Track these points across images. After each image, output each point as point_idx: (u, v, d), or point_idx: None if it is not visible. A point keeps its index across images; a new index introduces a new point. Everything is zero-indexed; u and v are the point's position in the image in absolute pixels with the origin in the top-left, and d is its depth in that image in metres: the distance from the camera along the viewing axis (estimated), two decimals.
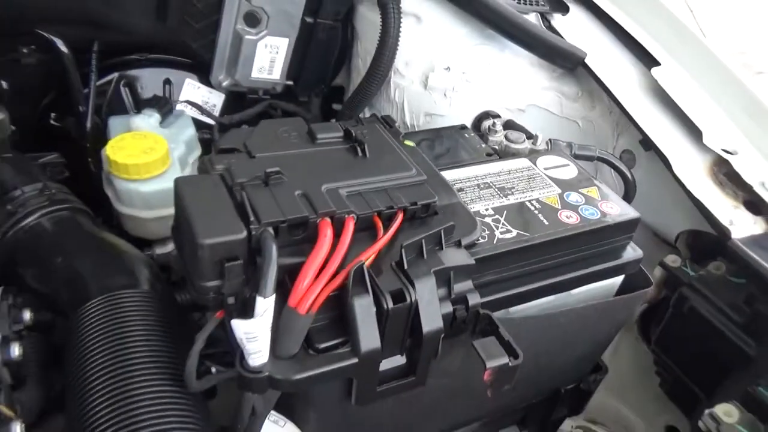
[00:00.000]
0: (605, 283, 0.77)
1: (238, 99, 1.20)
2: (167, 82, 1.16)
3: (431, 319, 0.60)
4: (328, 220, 0.60)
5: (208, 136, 1.13)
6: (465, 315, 0.63)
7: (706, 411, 0.71)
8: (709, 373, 0.86)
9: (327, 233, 0.58)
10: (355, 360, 0.58)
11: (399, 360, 0.64)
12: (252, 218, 0.57)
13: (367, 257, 0.59)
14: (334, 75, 1.26)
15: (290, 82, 1.18)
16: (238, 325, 0.54)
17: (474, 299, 0.63)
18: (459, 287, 0.63)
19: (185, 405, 0.59)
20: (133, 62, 1.13)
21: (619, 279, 0.78)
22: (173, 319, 0.69)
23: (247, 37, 1.08)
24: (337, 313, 0.59)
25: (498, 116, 1.06)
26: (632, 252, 0.76)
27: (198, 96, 1.18)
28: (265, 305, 0.54)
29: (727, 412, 0.69)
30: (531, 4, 1.10)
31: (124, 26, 1.06)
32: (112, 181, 0.92)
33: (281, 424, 0.69)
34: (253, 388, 0.57)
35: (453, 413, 0.79)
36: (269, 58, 1.12)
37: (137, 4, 1.03)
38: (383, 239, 0.61)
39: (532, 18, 1.08)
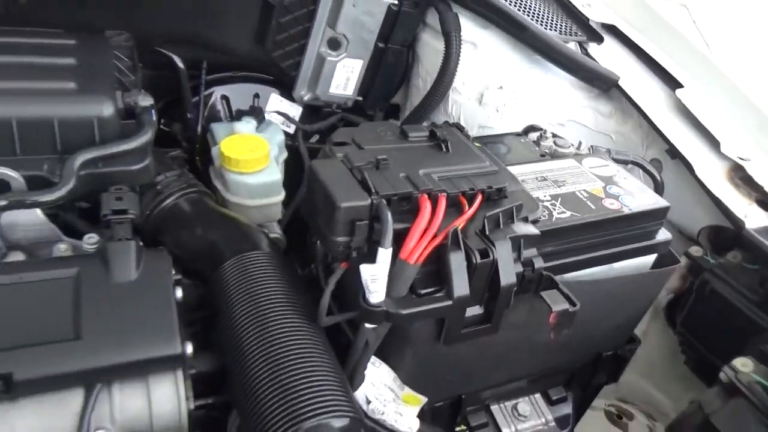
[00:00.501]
0: (640, 261, 0.93)
1: (313, 111, 1.39)
2: (256, 95, 1.35)
3: (507, 274, 0.76)
4: (426, 196, 0.77)
5: (289, 143, 1.32)
6: (531, 275, 0.79)
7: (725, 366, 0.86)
8: (728, 345, 1.01)
9: (427, 205, 0.76)
10: (449, 303, 0.74)
11: (477, 310, 0.80)
12: (373, 191, 0.74)
13: (460, 223, 0.76)
14: (394, 93, 1.44)
15: (360, 98, 1.36)
16: (365, 269, 0.71)
17: (539, 263, 0.80)
18: (527, 253, 0.80)
19: (315, 335, 0.75)
20: (227, 78, 1.33)
21: (651, 258, 0.94)
22: (291, 272, 0.86)
23: (329, 58, 1.28)
24: (433, 268, 0.76)
25: (542, 129, 1.24)
26: (663, 235, 0.92)
27: (281, 108, 1.37)
28: (385, 255, 0.71)
29: (743, 363, 0.83)
30: (571, 35, 1.28)
31: (228, 48, 1.26)
32: (223, 174, 1.10)
33: (377, 365, 0.85)
34: (372, 319, 0.73)
35: (515, 366, 0.95)
36: (345, 77, 1.31)
37: (242, 31, 1.23)
38: (470, 211, 0.78)
39: (572, 46, 1.27)
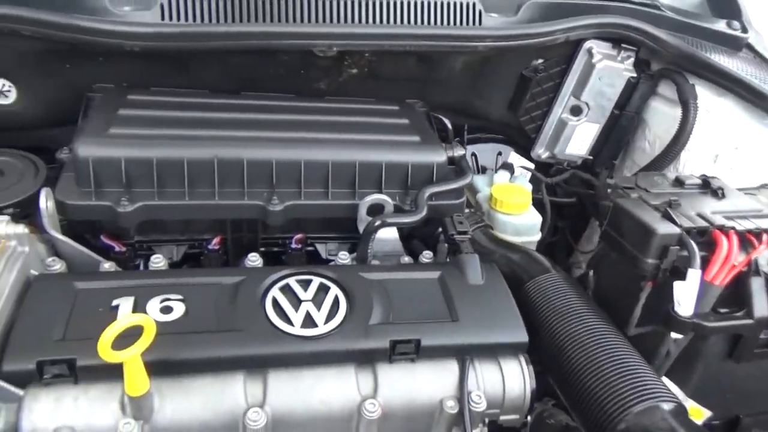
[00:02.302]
0: None
1: (544, 167, 1.59)
2: (499, 153, 1.59)
3: None
4: (719, 231, 0.92)
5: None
6: None
7: None
8: None
9: (724, 238, 0.90)
10: (750, 321, 0.87)
11: None
12: (678, 222, 0.91)
13: (758, 254, 0.89)
14: (619, 153, 1.61)
15: (591, 157, 1.55)
16: (678, 286, 0.87)
17: None
18: None
19: (624, 339, 0.91)
20: (477, 139, 1.59)
21: None
22: (581, 288, 1.03)
23: (570, 123, 1.48)
24: (728, 292, 0.90)
25: None
26: None
27: (517, 164, 1.59)
28: (695, 275, 0.86)
29: None
30: None
31: (485, 114, 1.51)
32: (492, 214, 1.32)
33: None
34: (680, 330, 0.88)
35: None
36: (582, 139, 1.51)
37: (498, 100, 1.48)
38: (763, 245, 0.91)
39: None
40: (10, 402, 0.74)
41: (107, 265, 0.95)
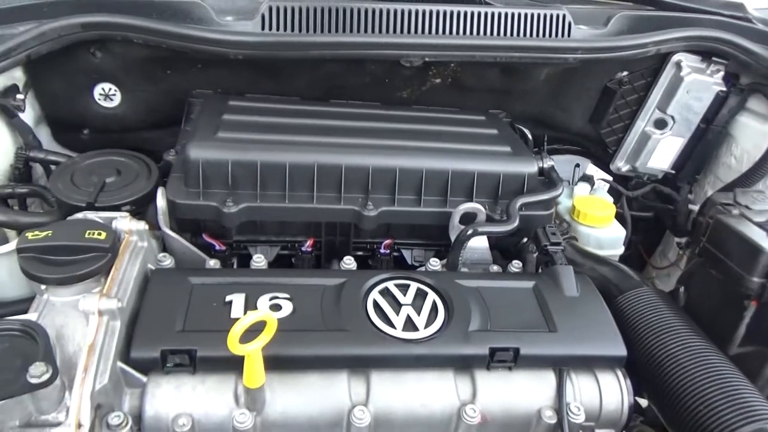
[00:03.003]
0: None
1: (621, 180, 1.57)
2: (577, 165, 1.58)
3: None
4: None
5: None
6: None
7: None
8: None
9: None
10: None
11: None
12: None
13: None
14: (702, 168, 1.57)
15: (672, 171, 1.52)
16: None
17: None
18: None
19: (724, 356, 0.89)
20: (555, 150, 1.58)
21: None
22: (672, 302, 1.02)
23: (654, 136, 1.46)
24: None
25: None
26: None
27: (595, 176, 1.58)
28: None
29: None
30: None
31: (565, 126, 1.51)
32: (575, 226, 1.31)
33: None
34: None
35: None
36: (665, 152, 1.48)
37: (580, 113, 1.48)
38: None
39: None
40: (134, 387, 0.79)
41: (212, 263, 1.00)
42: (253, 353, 0.72)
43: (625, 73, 1.40)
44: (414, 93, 1.41)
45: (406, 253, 1.18)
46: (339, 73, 1.32)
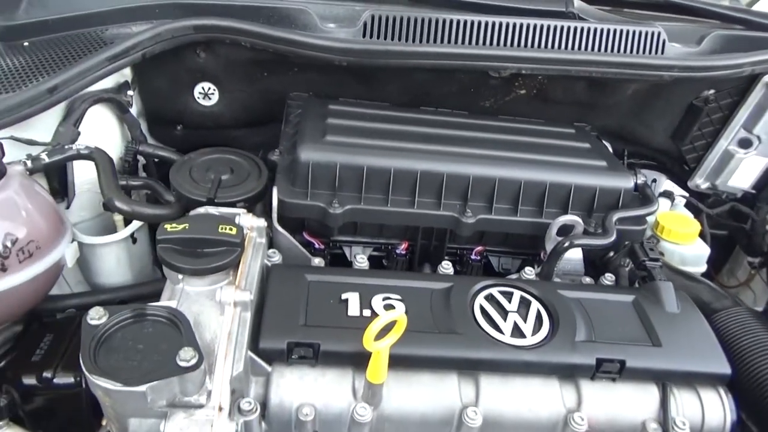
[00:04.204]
0: None
1: (698, 197, 1.57)
2: (653, 180, 1.59)
3: None
4: None
5: None
6: None
7: None
8: None
9: None
10: None
11: None
12: None
13: None
14: None
15: (753, 191, 1.51)
16: None
17: None
18: None
19: None
20: (629, 165, 1.59)
21: None
22: None
23: (737, 155, 1.46)
24: None
25: None
26: None
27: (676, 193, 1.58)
28: None
29: None
30: None
31: (645, 141, 1.52)
32: (659, 242, 1.32)
33: None
34: None
35: None
36: (747, 172, 1.48)
37: (662, 128, 1.48)
38: None
39: None
40: (259, 376, 0.83)
41: (317, 261, 1.04)
42: (382, 350, 0.75)
43: (711, 91, 1.40)
44: (497, 102, 1.43)
45: (494, 260, 1.20)
46: (429, 80, 1.35)
